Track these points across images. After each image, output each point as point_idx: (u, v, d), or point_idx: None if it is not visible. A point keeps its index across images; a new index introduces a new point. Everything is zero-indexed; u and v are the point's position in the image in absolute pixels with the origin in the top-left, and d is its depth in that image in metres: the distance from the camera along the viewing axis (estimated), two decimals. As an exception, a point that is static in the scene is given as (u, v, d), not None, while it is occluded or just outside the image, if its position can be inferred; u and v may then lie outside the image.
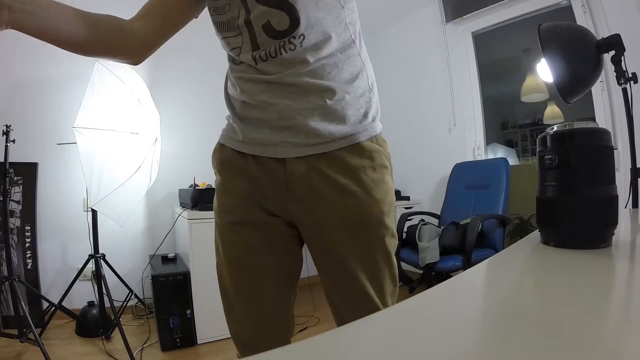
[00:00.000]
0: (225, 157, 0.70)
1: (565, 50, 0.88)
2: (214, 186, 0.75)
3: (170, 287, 1.88)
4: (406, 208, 2.77)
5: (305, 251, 0.75)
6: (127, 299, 2.11)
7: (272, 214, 0.68)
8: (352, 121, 0.64)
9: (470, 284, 0.33)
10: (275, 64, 0.62)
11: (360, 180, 0.65)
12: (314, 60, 0.61)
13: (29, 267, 2.07)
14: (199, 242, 1.93)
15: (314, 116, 0.62)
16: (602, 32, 2.06)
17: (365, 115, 0.66)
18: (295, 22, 0.59)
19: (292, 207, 0.67)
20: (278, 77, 0.62)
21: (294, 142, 0.63)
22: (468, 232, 1.93)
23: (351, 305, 0.68)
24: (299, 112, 0.62)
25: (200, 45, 2.64)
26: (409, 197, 3.03)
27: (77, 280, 1.93)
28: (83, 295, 2.09)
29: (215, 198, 0.73)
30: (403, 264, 2.18)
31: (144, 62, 0.72)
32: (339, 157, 0.64)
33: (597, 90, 2.15)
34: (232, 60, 0.69)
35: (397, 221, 1.69)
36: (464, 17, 2.81)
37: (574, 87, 0.89)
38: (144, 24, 0.67)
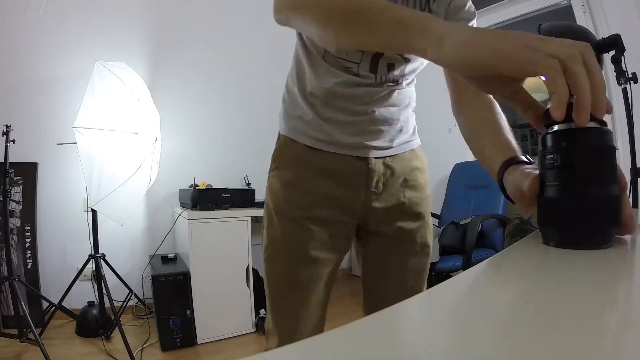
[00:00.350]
0: (298, 152, 0.74)
1: (566, 50, 0.88)
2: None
3: (170, 287, 1.88)
4: (406, 208, 2.77)
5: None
6: (127, 299, 2.11)
7: (347, 213, 0.74)
8: (410, 131, 0.80)
9: (470, 284, 0.33)
10: (387, 80, 0.72)
11: (419, 177, 0.81)
12: (407, 83, 0.76)
13: (29, 267, 2.08)
14: (199, 242, 1.93)
15: (397, 125, 0.75)
16: (602, 32, 2.06)
17: (414, 128, 0.82)
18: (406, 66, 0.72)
19: (370, 202, 0.74)
20: (387, 90, 0.72)
21: (376, 146, 0.73)
22: (468, 232, 1.93)
23: (405, 289, 0.78)
24: (389, 123, 0.74)
25: (200, 46, 2.65)
26: (409, 197, 3.02)
27: (77, 280, 1.93)
28: (83, 295, 2.09)
29: (280, 191, 0.74)
30: (403, 264, 2.17)
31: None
32: (405, 158, 0.78)
33: (597, 90, 2.14)
34: (339, 66, 0.70)
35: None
36: (464, 17, 2.80)
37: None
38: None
